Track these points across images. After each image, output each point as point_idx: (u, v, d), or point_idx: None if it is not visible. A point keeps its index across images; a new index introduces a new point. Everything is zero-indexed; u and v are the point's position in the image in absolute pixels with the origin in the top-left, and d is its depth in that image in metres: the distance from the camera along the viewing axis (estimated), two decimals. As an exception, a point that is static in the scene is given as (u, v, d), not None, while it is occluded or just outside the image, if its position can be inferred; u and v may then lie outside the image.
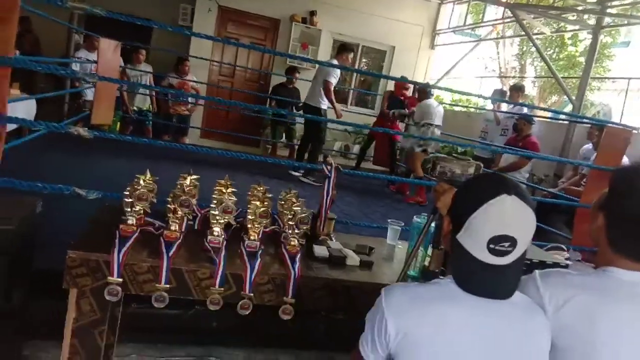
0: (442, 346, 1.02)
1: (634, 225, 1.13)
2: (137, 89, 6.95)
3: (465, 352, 1.02)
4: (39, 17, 3.87)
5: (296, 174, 5.89)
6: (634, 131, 3.79)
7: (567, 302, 1.12)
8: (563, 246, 2.27)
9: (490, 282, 1.05)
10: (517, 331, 1.05)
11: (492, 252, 1.02)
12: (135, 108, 6.94)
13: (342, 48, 6.12)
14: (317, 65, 6.83)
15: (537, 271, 1.21)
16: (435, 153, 6.33)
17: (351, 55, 6.23)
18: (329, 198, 1.95)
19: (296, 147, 6.86)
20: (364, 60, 9.35)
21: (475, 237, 1.04)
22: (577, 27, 7.27)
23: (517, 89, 6.43)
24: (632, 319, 1.10)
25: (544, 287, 1.16)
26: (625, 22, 6.72)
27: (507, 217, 1.02)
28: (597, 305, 1.11)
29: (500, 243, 1.01)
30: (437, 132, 5.91)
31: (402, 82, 6.55)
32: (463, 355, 1.02)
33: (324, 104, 5.94)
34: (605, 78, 11.76)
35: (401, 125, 6.93)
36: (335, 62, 5.93)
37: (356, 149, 8.11)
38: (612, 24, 6.79)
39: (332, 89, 5.88)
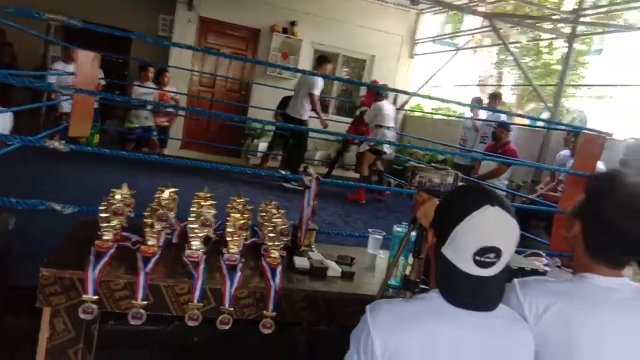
0: None
1: (610, 232, 1.14)
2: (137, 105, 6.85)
3: None
4: (15, 28, 3.81)
5: (289, 185, 5.84)
6: (609, 137, 3.87)
7: (547, 310, 1.13)
8: (541, 252, 2.29)
9: (476, 294, 1.05)
10: (502, 346, 1.05)
11: (478, 264, 1.02)
12: (136, 125, 6.87)
13: (321, 60, 6.27)
14: (298, 76, 6.86)
15: (516, 280, 1.22)
16: (391, 154, 6.59)
17: (330, 66, 6.32)
18: (309, 209, 1.94)
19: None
20: (344, 69, 9.41)
21: (460, 250, 1.04)
22: (552, 35, 7.43)
23: (495, 97, 6.54)
24: (611, 324, 1.11)
25: (523, 295, 1.17)
26: (599, 30, 6.89)
27: (491, 228, 1.03)
28: (576, 312, 1.12)
29: (485, 254, 1.01)
30: (389, 133, 6.06)
31: (369, 89, 6.73)
32: None
33: (306, 115, 6.04)
34: (581, 85, 12.02)
35: None
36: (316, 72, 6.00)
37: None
38: (586, 32, 6.94)
39: (318, 101, 6.02)
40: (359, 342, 1.06)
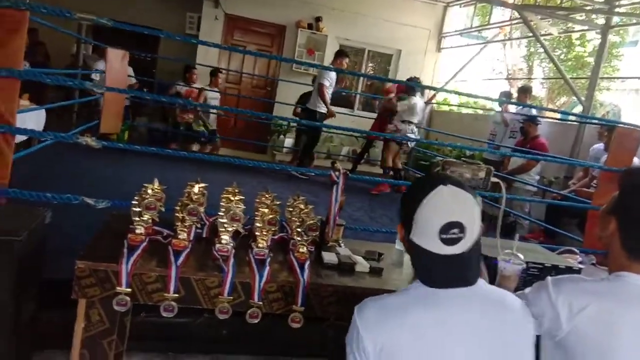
0: (424, 350, 1.03)
1: None
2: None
3: (447, 350, 1.03)
4: (47, 27, 3.92)
5: (295, 173, 6.08)
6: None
7: (583, 310, 1.10)
8: (575, 249, 2.23)
9: (452, 271, 1.08)
10: (490, 323, 1.07)
11: (445, 241, 1.05)
12: (201, 128, 7.20)
13: (337, 53, 6.41)
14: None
15: (549, 278, 1.20)
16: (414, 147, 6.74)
17: (347, 60, 6.38)
18: (337, 204, 1.94)
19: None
20: (370, 64, 9.35)
21: (425, 232, 1.07)
22: (585, 27, 7.21)
23: (524, 91, 6.38)
24: None
25: (556, 294, 1.14)
26: (634, 21, 6.66)
27: (448, 204, 1.07)
28: (613, 312, 1.09)
29: (450, 231, 1.05)
30: (415, 129, 6.25)
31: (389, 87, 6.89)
32: (448, 354, 1.03)
33: (322, 108, 6.20)
34: (615, 78, 11.65)
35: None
36: (330, 67, 6.22)
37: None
38: (620, 23, 6.72)
39: (325, 91, 6.14)
40: (351, 344, 1.08)
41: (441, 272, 1.08)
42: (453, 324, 1.04)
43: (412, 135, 6.18)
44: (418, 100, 6.25)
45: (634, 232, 1.15)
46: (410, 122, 6.13)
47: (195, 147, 7.13)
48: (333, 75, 6.23)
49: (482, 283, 1.12)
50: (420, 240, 1.09)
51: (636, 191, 1.16)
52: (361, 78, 9.21)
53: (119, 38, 6.60)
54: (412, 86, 6.11)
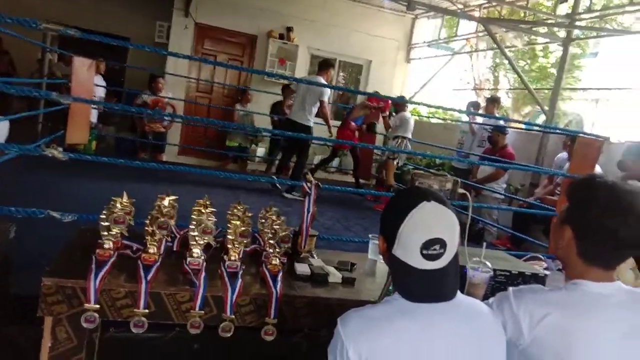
0: (407, 359, 1.06)
1: (601, 232, 1.17)
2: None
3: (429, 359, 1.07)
4: (11, 36, 3.83)
5: (290, 196, 5.72)
6: (606, 140, 3.89)
7: (542, 320, 1.14)
8: (541, 256, 2.30)
9: (432, 286, 1.11)
10: (472, 329, 1.11)
11: (426, 257, 1.09)
12: (235, 143, 7.69)
13: (324, 64, 6.15)
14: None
15: (510, 289, 1.25)
16: (406, 162, 6.77)
17: (332, 71, 6.36)
18: (309, 215, 1.95)
19: (276, 162, 6.93)
20: (341, 74, 9.44)
21: (408, 247, 1.11)
22: (547, 40, 7.47)
23: (493, 101, 6.56)
24: (607, 331, 1.12)
25: (517, 304, 1.19)
26: (594, 34, 6.94)
27: (431, 221, 1.11)
28: (572, 321, 1.14)
29: (431, 247, 1.09)
30: (409, 145, 6.30)
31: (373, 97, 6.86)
32: None
33: (312, 121, 5.98)
34: (576, 89, 12.06)
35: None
36: (320, 78, 5.89)
37: (336, 162, 8.13)
38: (581, 36, 6.99)
39: (328, 109, 6.10)
40: (335, 355, 1.10)
41: (421, 286, 1.11)
42: (434, 335, 1.08)
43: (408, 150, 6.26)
44: (410, 117, 6.38)
45: (589, 238, 1.19)
46: (403, 138, 6.17)
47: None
48: (329, 90, 6.11)
49: (459, 296, 1.15)
50: (403, 255, 1.12)
51: (584, 199, 1.21)
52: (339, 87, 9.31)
53: (87, 46, 6.49)
54: (397, 101, 6.22)
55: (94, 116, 6.38)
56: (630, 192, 1.17)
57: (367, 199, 6.61)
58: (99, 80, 6.61)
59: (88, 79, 5.17)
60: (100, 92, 6.73)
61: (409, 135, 6.24)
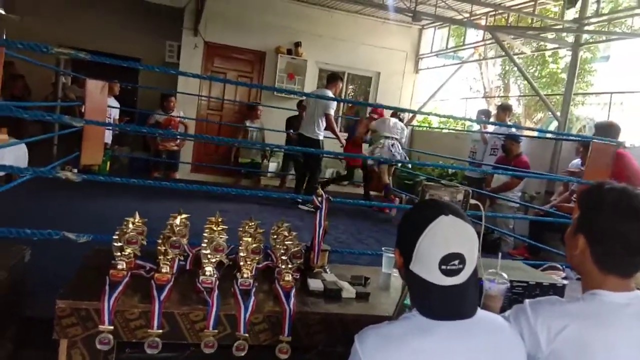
0: None
1: (612, 238, 1.15)
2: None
3: None
4: (25, 61, 3.91)
5: (305, 207, 5.77)
6: (622, 145, 3.85)
7: (561, 332, 1.12)
8: (559, 265, 2.26)
9: (451, 303, 1.09)
10: (492, 348, 1.08)
11: (445, 272, 1.06)
12: (248, 160, 7.79)
13: (332, 77, 6.26)
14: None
15: (527, 301, 1.22)
16: (401, 161, 6.75)
17: (341, 84, 6.40)
18: (321, 229, 1.94)
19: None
20: (350, 86, 9.47)
21: (426, 263, 1.08)
22: (556, 45, 7.43)
23: (505, 109, 6.51)
24: (626, 341, 1.10)
25: (534, 317, 1.16)
26: (603, 38, 6.90)
27: (450, 236, 1.08)
28: (590, 333, 1.11)
29: (450, 262, 1.06)
30: (387, 142, 6.21)
31: (375, 108, 6.93)
32: None
33: (321, 135, 6.05)
34: (588, 93, 11.97)
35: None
36: (328, 92, 5.98)
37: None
38: (590, 40, 6.94)
39: (334, 121, 6.11)
40: None
41: (440, 304, 1.08)
42: (454, 354, 1.05)
43: (394, 150, 6.18)
44: (391, 118, 6.42)
45: (602, 244, 1.18)
46: (387, 137, 6.19)
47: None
48: (335, 103, 6.16)
49: (478, 312, 1.12)
50: (421, 270, 1.09)
51: (595, 206, 1.20)
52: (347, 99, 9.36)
53: (100, 68, 6.61)
54: (389, 109, 6.27)
55: (107, 137, 6.47)
56: None
57: (373, 210, 6.57)
58: (113, 101, 6.73)
59: (101, 100, 5.26)
60: (114, 113, 6.84)
61: (386, 134, 6.22)
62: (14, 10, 8.03)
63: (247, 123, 7.74)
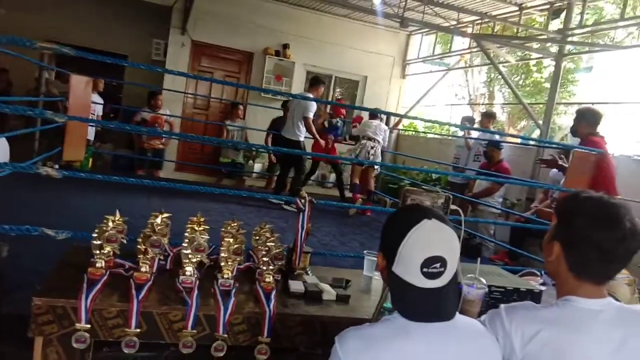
0: None
1: (586, 245, 1.18)
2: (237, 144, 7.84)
3: None
4: (7, 54, 3.84)
5: (290, 208, 5.78)
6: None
7: (534, 337, 1.14)
8: (536, 271, 2.29)
9: (432, 306, 1.11)
10: (470, 350, 1.11)
11: (427, 275, 1.08)
12: (228, 160, 7.67)
13: (314, 81, 6.31)
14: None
15: (502, 306, 1.24)
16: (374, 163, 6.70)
17: (322, 87, 6.43)
18: (303, 231, 1.94)
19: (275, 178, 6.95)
20: (337, 89, 9.50)
21: (408, 265, 1.10)
22: (540, 55, 7.55)
23: (488, 116, 6.60)
24: (597, 348, 1.12)
25: (509, 322, 1.18)
26: (586, 49, 7.02)
27: (432, 239, 1.10)
28: (564, 339, 1.13)
29: (432, 265, 1.08)
30: (368, 144, 6.33)
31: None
32: None
33: (302, 136, 6.09)
34: (570, 103, 12.16)
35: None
36: (310, 95, 6.06)
37: (332, 177, 8.14)
38: (573, 51, 7.07)
39: (312, 124, 6.13)
40: None
41: (421, 305, 1.10)
42: (434, 355, 1.07)
43: (372, 152, 6.26)
44: (372, 120, 6.55)
45: (577, 251, 1.20)
46: (369, 139, 6.30)
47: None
48: (315, 105, 6.15)
49: (458, 317, 1.14)
50: (402, 273, 1.11)
51: (571, 214, 1.23)
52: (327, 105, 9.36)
53: (85, 64, 6.53)
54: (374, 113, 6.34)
55: (90, 134, 6.39)
56: (617, 206, 1.18)
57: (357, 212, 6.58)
58: (97, 97, 6.66)
59: (85, 96, 5.20)
60: (99, 110, 6.76)
61: (367, 135, 6.34)
62: (0, 5, 7.91)
63: (228, 122, 7.68)
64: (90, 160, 6.57)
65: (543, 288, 1.92)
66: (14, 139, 4.89)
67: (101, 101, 6.84)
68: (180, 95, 7.96)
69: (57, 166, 5.25)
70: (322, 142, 6.58)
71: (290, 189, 6.25)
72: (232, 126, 7.58)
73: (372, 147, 6.27)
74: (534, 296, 1.76)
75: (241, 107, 7.69)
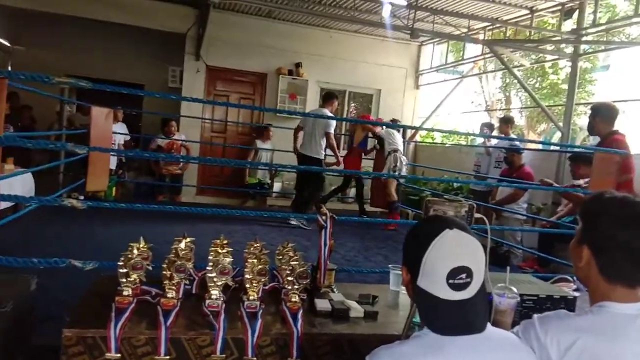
0: None
1: (615, 246, 1.14)
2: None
3: None
4: (29, 91, 3.96)
5: (295, 222, 5.86)
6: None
7: (571, 347, 1.10)
8: (568, 277, 2.23)
9: (462, 318, 1.07)
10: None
11: (453, 287, 1.05)
12: (255, 180, 7.87)
13: (328, 96, 6.36)
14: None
15: (535, 316, 1.20)
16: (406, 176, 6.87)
17: (337, 101, 6.47)
18: (326, 248, 1.93)
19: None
20: (352, 104, 9.52)
21: (433, 277, 1.07)
22: (555, 57, 7.46)
23: (507, 121, 6.52)
24: (635, 353, 1.08)
25: (543, 333, 1.15)
26: (602, 48, 6.93)
27: (455, 249, 1.07)
28: (601, 346, 1.10)
29: (458, 276, 1.05)
30: (403, 157, 6.43)
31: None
32: None
33: (322, 154, 6.11)
34: (589, 103, 11.96)
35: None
36: (325, 111, 6.09)
37: (352, 192, 8.10)
38: (589, 50, 6.97)
39: (334, 140, 6.17)
40: None
41: (450, 319, 1.07)
42: None
43: (403, 161, 6.31)
44: (395, 131, 6.58)
45: (606, 253, 1.16)
46: (396, 150, 6.31)
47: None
48: (334, 121, 6.22)
49: (489, 328, 1.11)
50: (428, 286, 1.08)
51: (596, 216, 1.19)
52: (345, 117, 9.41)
53: (104, 95, 6.70)
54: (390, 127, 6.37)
55: (113, 163, 6.53)
56: None
57: (379, 227, 6.53)
58: (119, 127, 6.82)
59: (106, 127, 5.32)
60: (119, 139, 6.91)
61: (400, 147, 6.42)
62: (20, 42, 8.19)
63: (258, 143, 7.79)
64: (114, 189, 6.69)
65: (577, 294, 1.87)
66: (39, 173, 5.02)
67: (124, 131, 7.03)
68: (198, 121, 8.08)
69: (81, 197, 5.35)
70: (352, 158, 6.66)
71: (301, 206, 6.12)
72: (262, 148, 7.73)
73: (404, 158, 6.35)
74: (568, 303, 1.71)
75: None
